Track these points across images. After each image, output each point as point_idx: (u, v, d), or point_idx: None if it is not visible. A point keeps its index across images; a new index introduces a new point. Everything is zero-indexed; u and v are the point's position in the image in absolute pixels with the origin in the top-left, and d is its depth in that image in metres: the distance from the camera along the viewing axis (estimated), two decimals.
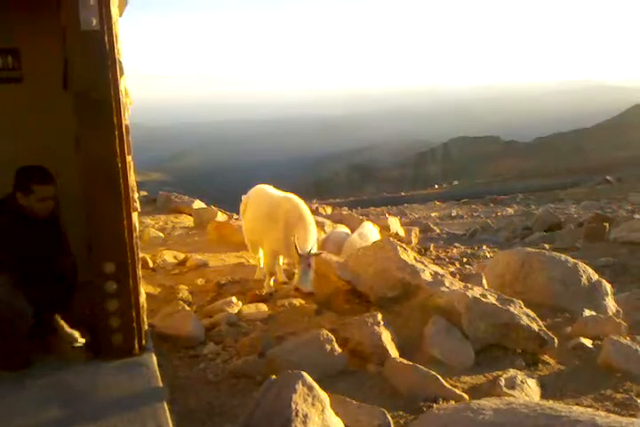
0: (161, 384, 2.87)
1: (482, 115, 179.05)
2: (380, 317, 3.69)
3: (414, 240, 10.16)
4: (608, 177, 30.22)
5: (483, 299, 3.77)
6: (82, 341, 3.14)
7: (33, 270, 3.14)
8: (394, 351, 3.50)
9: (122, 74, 3.02)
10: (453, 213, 19.59)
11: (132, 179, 3.20)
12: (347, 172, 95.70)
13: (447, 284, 4.02)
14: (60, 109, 3.42)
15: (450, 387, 3.07)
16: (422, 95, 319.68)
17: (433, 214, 19.87)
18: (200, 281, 5.80)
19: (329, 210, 15.47)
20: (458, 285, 4.06)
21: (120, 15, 3.47)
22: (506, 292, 4.28)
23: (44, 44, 3.88)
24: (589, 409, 2.47)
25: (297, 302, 4.78)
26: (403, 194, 37.64)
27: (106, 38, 2.88)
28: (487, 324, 3.66)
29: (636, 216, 11.99)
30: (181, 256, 6.84)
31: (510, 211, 19.46)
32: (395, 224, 10.29)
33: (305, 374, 2.55)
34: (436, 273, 4.29)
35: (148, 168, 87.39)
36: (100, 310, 3.05)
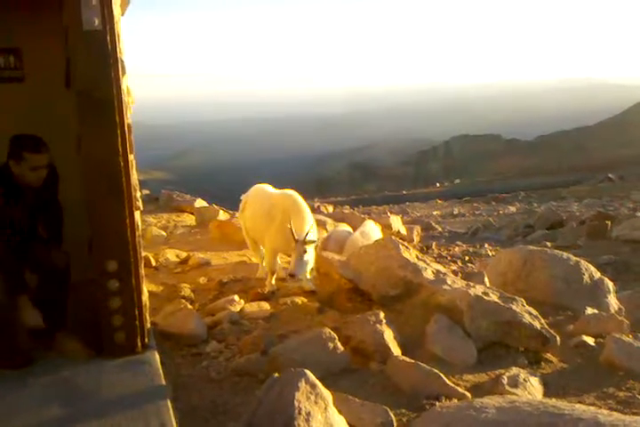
0: (164, 382, 2.87)
1: (483, 113, 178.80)
2: (382, 315, 3.70)
3: (416, 239, 10.17)
4: (610, 175, 30.17)
5: (485, 297, 3.77)
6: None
7: (23, 240, 3.13)
8: (396, 349, 3.50)
9: (124, 73, 3.03)
10: (455, 212, 19.58)
11: (135, 177, 3.21)
12: (348, 170, 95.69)
13: (449, 282, 4.02)
14: (61, 109, 3.43)
15: (452, 385, 3.07)
16: (423, 93, 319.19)
17: (435, 213, 19.86)
18: (202, 279, 5.81)
19: (330, 208, 15.48)
20: (460, 283, 4.06)
21: (122, 14, 3.47)
22: (508, 290, 4.27)
23: (46, 44, 3.90)
24: (592, 407, 2.47)
25: (299, 300, 4.79)
26: (404, 192, 37.64)
27: (108, 38, 2.87)
28: (489, 322, 3.66)
29: (639, 214, 11.98)
30: (184, 255, 6.86)
31: (512, 209, 19.45)
32: (396, 223, 10.29)
33: (308, 372, 2.55)
34: (438, 271, 4.29)
35: (150, 167, 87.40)
36: (103, 309, 3.06)
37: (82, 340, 3.18)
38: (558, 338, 3.68)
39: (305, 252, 4.74)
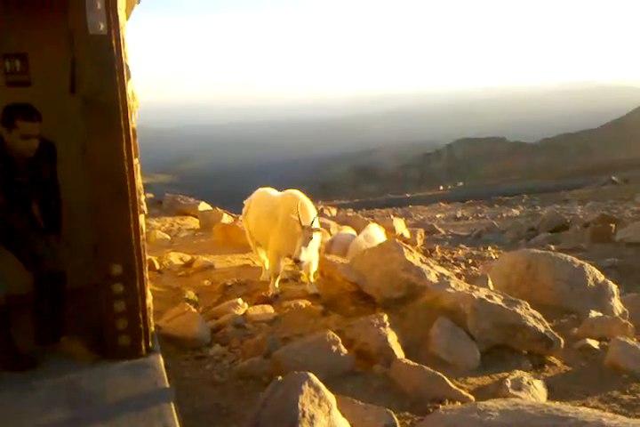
0: (168, 385, 2.88)
1: (485, 116, 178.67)
2: (385, 318, 3.70)
3: (419, 242, 10.16)
4: (614, 178, 30.05)
5: (488, 300, 3.77)
6: None
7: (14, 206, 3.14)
8: (400, 352, 3.50)
9: (129, 77, 3.04)
10: (458, 215, 19.54)
11: (139, 181, 3.22)
12: (351, 174, 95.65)
13: (453, 285, 4.02)
14: (67, 113, 3.45)
15: (456, 388, 3.07)
16: (426, 97, 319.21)
17: (438, 216, 19.83)
18: (206, 283, 5.82)
19: (334, 212, 15.49)
20: (463, 286, 4.06)
21: (127, 19, 3.50)
22: (512, 293, 4.27)
23: (51, 49, 3.93)
24: (596, 411, 2.47)
25: (303, 303, 4.80)
26: (408, 195, 37.57)
27: (113, 42, 2.90)
28: (493, 325, 3.66)
29: None
30: (187, 258, 6.87)
31: (516, 212, 19.39)
32: (400, 226, 10.30)
33: (311, 375, 2.56)
34: (442, 274, 4.29)
35: (153, 170, 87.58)
36: (107, 312, 3.07)
37: (86, 343, 3.19)
38: (562, 341, 3.68)
39: (311, 238, 4.76)
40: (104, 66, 2.90)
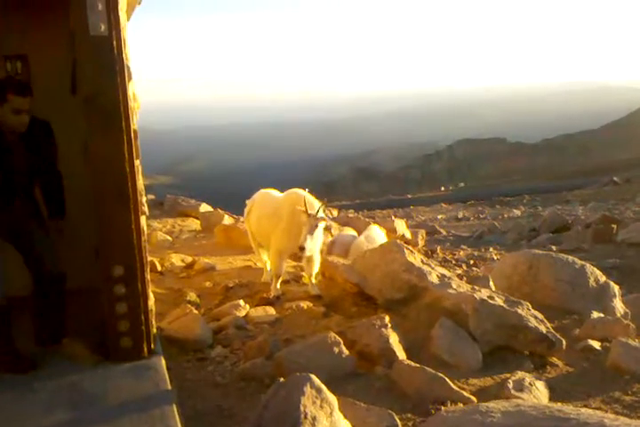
0: (170, 387, 2.88)
1: (485, 117, 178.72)
2: (387, 319, 3.70)
3: (421, 242, 10.16)
4: (615, 178, 30.01)
5: (490, 301, 3.76)
6: None
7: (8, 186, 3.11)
8: (401, 353, 3.50)
9: (130, 79, 3.04)
10: (460, 215, 19.51)
11: (141, 183, 3.22)
12: (352, 174, 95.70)
13: (454, 286, 4.02)
14: (68, 115, 3.44)
15: (458, 389, 3.07)
16: (425, 97, 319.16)
17: (439, 216, 19.82)
18: (208, 284, 5.82)
19: (335, 212, 15.48)
20: (465, 287, 4.06)
21: (128, 20, 3.50)
22: (513, 294, 4.27)
23: (52, 50, 3.93)
24: (598, 412, 2.47)
25: (304, 304, 4.79)
26: (409, 196, 37.55)
27: (114, 43, 2.90)
28: (495, 326, 3.66)
29: None
30: (189, 259, 6.87)
31: (517, 212, 19.37)
32: (401, 226, 10.29)
33: (313, 376, 2.56)
34: (443, 275, 4.29)
35: (154, 171, 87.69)
36: (109, 314, 3.07)
37: (88, 345, 3.19)
38: (564, 342, 3.68)
39: (316, 227, 4.76)
40: (105, 67, 2.90)
